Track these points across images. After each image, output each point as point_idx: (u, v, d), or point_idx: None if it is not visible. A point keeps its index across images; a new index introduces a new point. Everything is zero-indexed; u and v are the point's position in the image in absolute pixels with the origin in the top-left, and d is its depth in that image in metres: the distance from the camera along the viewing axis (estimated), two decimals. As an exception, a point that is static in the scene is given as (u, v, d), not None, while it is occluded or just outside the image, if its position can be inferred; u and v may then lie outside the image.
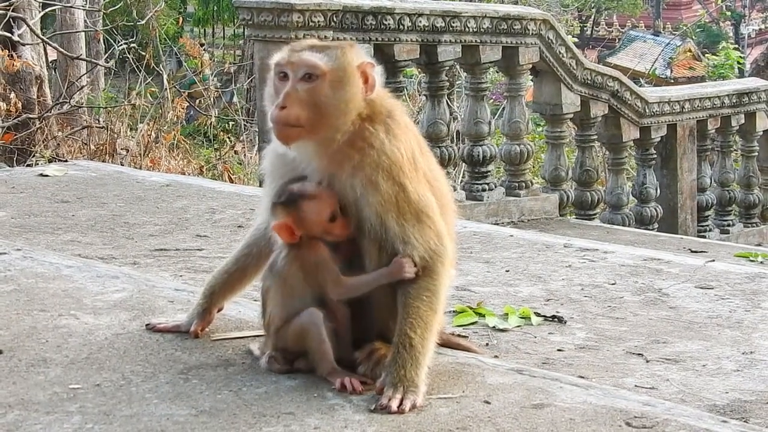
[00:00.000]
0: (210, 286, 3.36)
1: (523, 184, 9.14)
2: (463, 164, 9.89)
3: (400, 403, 2.84)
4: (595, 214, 9.72)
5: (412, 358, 2.91)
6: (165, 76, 13.41)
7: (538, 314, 4.25)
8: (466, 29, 8.58)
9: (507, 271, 4.97)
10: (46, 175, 6.91)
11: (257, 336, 3.27)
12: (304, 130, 2.94)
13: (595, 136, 9.83)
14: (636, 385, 3.54)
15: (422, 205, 3.00)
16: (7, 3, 11.39)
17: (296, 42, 3.07)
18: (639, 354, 3.86)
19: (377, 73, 3.04)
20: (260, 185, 8.25)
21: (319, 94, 2.95)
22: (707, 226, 10.61)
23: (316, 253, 3.00)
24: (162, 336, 3.34)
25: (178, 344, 3.28)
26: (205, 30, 37.82)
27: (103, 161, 10.01)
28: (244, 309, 3.62)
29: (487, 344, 3.88)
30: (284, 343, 3.03)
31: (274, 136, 2.99)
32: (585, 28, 46.40)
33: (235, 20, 28.75)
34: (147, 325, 3.39)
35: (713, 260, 5.36)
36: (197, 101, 16.17)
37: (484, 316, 4.17)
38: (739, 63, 24.53)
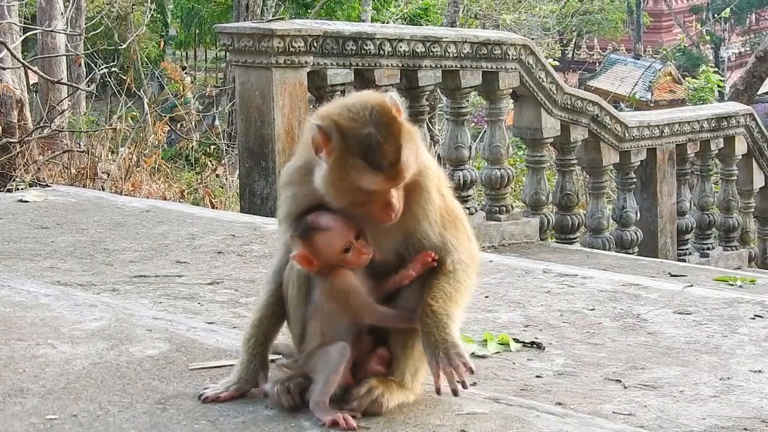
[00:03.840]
0: (259, 333, 3.13)
1: (504, 209, 9.16)
2: (444, 188, 9.89)
3: (452, 363, 2.92)
4: (575, 238, 9.75)
5: (435, 322, 2.95)
6: (146, 100, 13.40)
7: (517, 340, 4.26)
8: (447, 54, 8.62)
9: (486, 296, 4.97)
10: (26, 201, 6.90)
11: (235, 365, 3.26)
12: None
13: (576, 161, 9.87)
14: (614, 412, 3.55)
15: (458, 211, 3.10)
16: (-13, 27, 11.39)
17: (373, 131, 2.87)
18: (617, 380, 3.87)
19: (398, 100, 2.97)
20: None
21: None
22: (687, 249, 10.65)
23: (343, 281, 2.99)
24: (139, 365, 3.33)
25: (155, 374, 3.27)
26: (186, 53, 37.89)
27: (84, 185, 9.98)
28: (222, 337, 3.62)
29: (465, 371, 3.88)
30: (311, 369, 3.02)
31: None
32: (566, 52, 46.68)
33: (217, 43, 28.80)
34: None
35: (691, 285, 5.38)
36: (179, 125, 16.16)
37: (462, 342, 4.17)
38: (719, 86, 24.62)
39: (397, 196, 2.89)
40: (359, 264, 3.00)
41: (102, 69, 14.40)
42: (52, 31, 14.46)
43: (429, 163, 3.04)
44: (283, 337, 3.23)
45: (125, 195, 9.35)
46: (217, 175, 13.82)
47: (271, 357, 3.18)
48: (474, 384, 3.63)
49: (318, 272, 3.00)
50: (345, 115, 2.88)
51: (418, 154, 2.92)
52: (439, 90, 9.42)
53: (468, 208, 8.85)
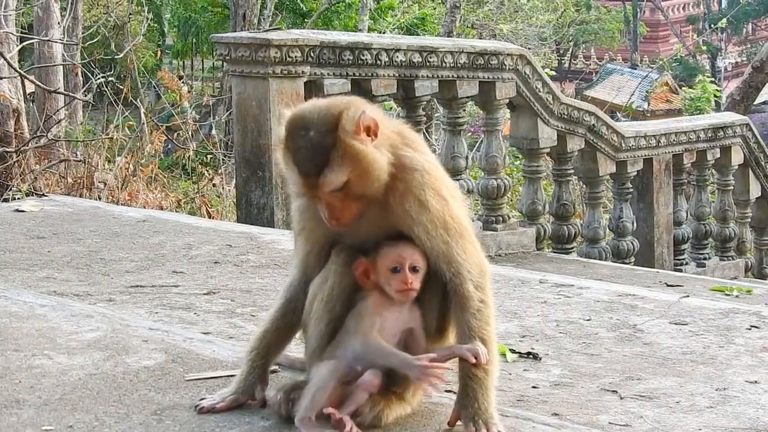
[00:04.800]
0: (261, 347, 3.14)
1: (501, 218, 9.16)
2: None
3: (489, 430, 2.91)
4: (572, 248, 9.75)
5: (480, 388, 2.96)
6: (143, 109, 13.39)
7: (513, 351, 4.26)
8: (443, 64, 8.63)
9: (482, 307, 4.96)
10: (22, 211, 6.90)
11: (231, 376, 3.26)
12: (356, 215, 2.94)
13: (572, 170, 9.87)
14: (610, 422, 3.55)
15: (463, 220, 3.03)
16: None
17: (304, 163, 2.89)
18: (613, 391, 3.87)
19: (371, 113, 2.92)
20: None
21: (352, 192, 2.90)
22: (683, 259, 10.66)
23: (372, 307, 2.97)
24: (135, 376, 3.33)
25: (151, 385, 3.27)
26: (183, 63, 37.89)
27: (80, 195, 9.98)
28: (219, 348, 3.61)
29: (462, 381, 3.88)
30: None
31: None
32: (563, 61, 46.71)
33: (214, 53, 28.84)
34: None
35: (688, 296, 5.39)
36: (175, 134, 16.16)
37: (459, 353, 4.16)
38: (716, 96, 24.65)
39: (339, 206, 2.88)
40: (401, 292, 2.96)
41: (99, 78, 14.40)
42: (49, 40, 14.45)
43: (422, 166, 2.98)
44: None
45: (122, 205, 9.35)
46: (214, 185, 13.82)
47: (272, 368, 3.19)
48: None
49: (367, 289, 2.99)
50: (301, 112, 2.93)
51: (368, 169, 2.88)
52: (435, 100, 9.43)
53: (465, 218, 8.83)
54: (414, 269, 2.96)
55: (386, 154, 2.92)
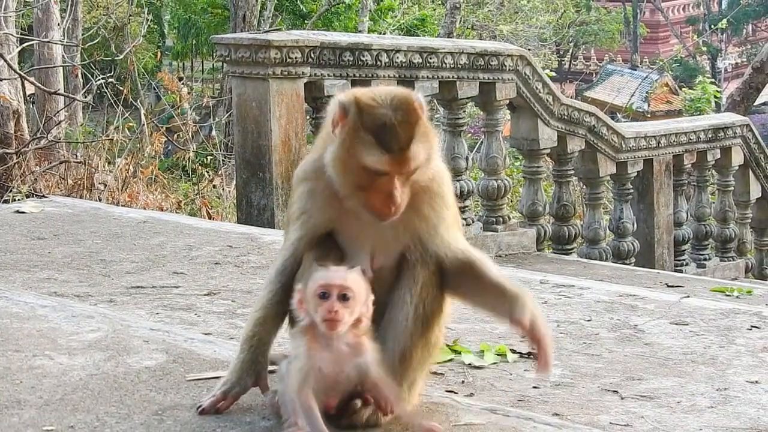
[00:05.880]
0: (263, 332, 3.07)
1: (501, 219, 9.17)
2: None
3: None
4: (572, 249, 9.76)
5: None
6: (143, 111, 13.40)
7: (514, 351, 4.26)
8: (444, 65, 8.63)
9: (483, 307, 4.96)
10: (23, 212, 6.90)
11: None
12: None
13: (572, 171, 9.88)
14: (611, 423, 3.55)
15: (457, 212, 3.14)
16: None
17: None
18: (614, 391, 3.87)
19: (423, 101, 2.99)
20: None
21: (415, 175, 2.95)
22: (684, 260, 10.66)
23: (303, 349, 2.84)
24: (137, 377, 3.33)
25: (152, 385, 3.27)
26: (183, 64, 37.90)
27: (81, 196, 9.98)
28: (219, 348, 3.61)
29: (463, 381, 3.88)
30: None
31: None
32: (563, 62, 46.73)
33: (214, 54, 28.82)
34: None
35: (688, 296, 5.39)
36: (175, 135, 16.18)
37: (460, 353, 4.17)
38: (716, 97, 24.64)
39: (401, 190, 2.89)
40: (326, 322, 2.75)
41: (99, 80, 14.41)
42: (48, 42, 14.46)
43: (443, 168, 3.07)
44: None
45: (122, 206, 9.35)
46: (214, 186, 13.82)
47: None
48: (471, 394, 3.65)
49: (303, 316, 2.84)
50: (367, 94, 2.94)
51: (433, 154, 2.94)
52: (436, 101, 9.43)
53: (465, 219, 8.86)
54: (344, 297, 2.75)
55: None
